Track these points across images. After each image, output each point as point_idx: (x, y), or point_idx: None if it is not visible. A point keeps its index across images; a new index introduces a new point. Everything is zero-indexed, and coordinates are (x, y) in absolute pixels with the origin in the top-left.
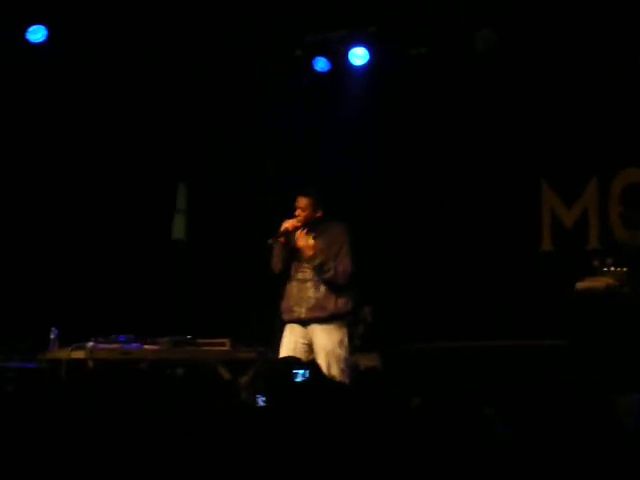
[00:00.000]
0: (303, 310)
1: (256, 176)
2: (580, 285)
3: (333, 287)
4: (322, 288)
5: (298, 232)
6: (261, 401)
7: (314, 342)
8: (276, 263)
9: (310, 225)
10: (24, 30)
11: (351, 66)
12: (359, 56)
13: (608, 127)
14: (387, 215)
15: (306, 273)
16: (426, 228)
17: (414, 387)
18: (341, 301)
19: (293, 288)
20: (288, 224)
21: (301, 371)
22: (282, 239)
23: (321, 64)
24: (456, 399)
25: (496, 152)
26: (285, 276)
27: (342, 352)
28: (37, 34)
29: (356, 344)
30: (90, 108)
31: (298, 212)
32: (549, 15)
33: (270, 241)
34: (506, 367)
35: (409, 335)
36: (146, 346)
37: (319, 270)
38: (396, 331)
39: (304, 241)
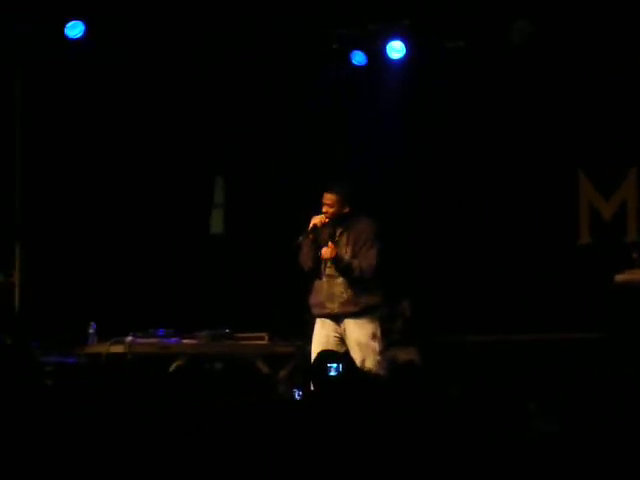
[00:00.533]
0: (335, 306)
1: (291, 170)
2: (619, 278)
3: (362, 283)
4: (353, 284)
5: (324, 249)
6: (297, 395)
7: (347, 336)
8: (305, 261)
9: (338, 221)
10: (63, 26)
11: (388, 60)
12: (396, 49)
13: None
14: (425, 209)
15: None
16: (463, 221)
17: (453, 380)
18: (373, 295)
19: (324, 284)
20: (316, 220)
21: (334, 365)
22: (311, 236)
23: (358, 58)
24: (498, 393)
25: (533, 144)
26: (314, 272)
27: (376, 345)
28: (75, 30)
29: (394, 338)
30: (128, 102)
31: (325, 209)
32: (584, 3)
33: (300, 239)
34: (545, 361)
35: (447, 329)
36: (184, 340)
37: (344, 271)
38: (434, 325)
39: (329, 253)
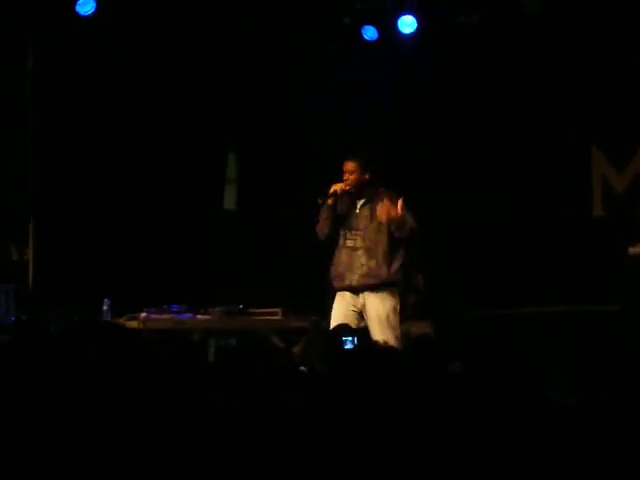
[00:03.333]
0: (355, 277)
1: (305, 145)
2: (632, 250)
3: (392, 250)
4: (375, 255)
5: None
6: (305, 371)
7: (367, 309)
8: (322, 227)
9: (358, 192)
10: (74, 3)
11: (400, 34)
12: (408, 24)
13: None
14: (439, 183)
15: (357, 241)
16: (477, 195)
17: (466, 353)
18: (393, 268)
19: (343, 255)
20: (337, 187)
21: (350, 338)
22: (331, 200)
23: (370, 33)
24: (507, 362)
25: (547, 118)
26: (331, 243)
27: (396, 319)
28: (86, 6)
29: (408, 312)
30: (140, 79)
31: (346, 176)
32: None
33: (319, 200)
34: (559, 333)
35: (461, 303)
36: (198, 316)
37: (398, 227)
38: (448, 299)
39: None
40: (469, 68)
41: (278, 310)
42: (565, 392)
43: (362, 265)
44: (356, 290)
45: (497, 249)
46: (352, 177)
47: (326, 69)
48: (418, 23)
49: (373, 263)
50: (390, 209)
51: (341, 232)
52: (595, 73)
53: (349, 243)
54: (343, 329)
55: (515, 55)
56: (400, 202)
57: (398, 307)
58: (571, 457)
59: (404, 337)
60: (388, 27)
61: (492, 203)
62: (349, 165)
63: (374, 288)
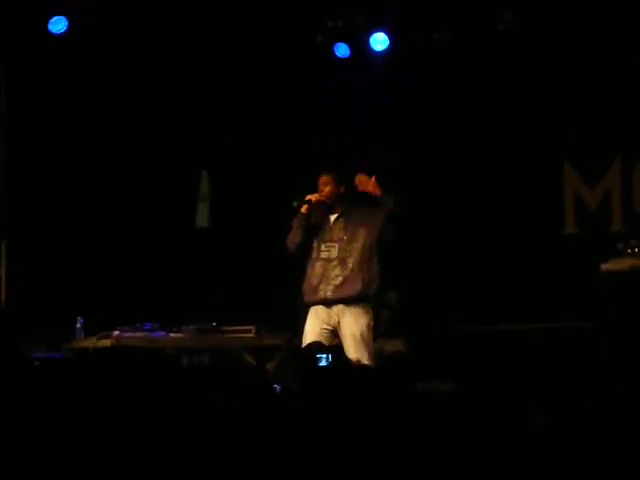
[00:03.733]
0: (330, 288)
1: (278, 163)
2: (604, 267)
3: (358, 268)
4: (349, 265)
5: (358, 177)
6: (278, 388)
7: (341, 327)
8: (294, 236)
9: (334, 202)
10: (46, 21)
11: (372, 52)
12: (380, 41)
13: (632, 108)
14: (409, 199)
15: (331, 252)
16: (448, 212)
17: (440, 371)
18: (369, 279)
19: (317, 268)
20: (312, 196)
21: (324, 355)
22: (304, 208)
23: (342, 50)
24: (486, 385)
25: (519, 134)
26: (302, 259)
27: (370, 336)
28: (58, 25)
29: (381, 330)
30: (114, 97)
31: (321, 188)
32: None
33: (295, 203)
34: (531, 350)
35: (433, 320)
36: (171, 334)
37: (388, 203)
38: (420, 317)
39: (366, 183)
40: (441, 85)
41: (251, 328)
42: (537, 408)
43: (337, 276)
44: (330, 303)
45: (470, 266)
46: (327, 189)
47: (299, 87)
48: (390, 40)
49: (348, 273)
50: (366, 181)
51: (315, 244)
52: (567, 90)
53: (323, 255)
54: (316, 346)
55: (487, 72)
56: (373, 179)
57: (372, 324)
58: (544, 471)
59: (377, 354)
60: (360, 44)
61: (464, 220)
62: (324, 178)
63: (348, 302)
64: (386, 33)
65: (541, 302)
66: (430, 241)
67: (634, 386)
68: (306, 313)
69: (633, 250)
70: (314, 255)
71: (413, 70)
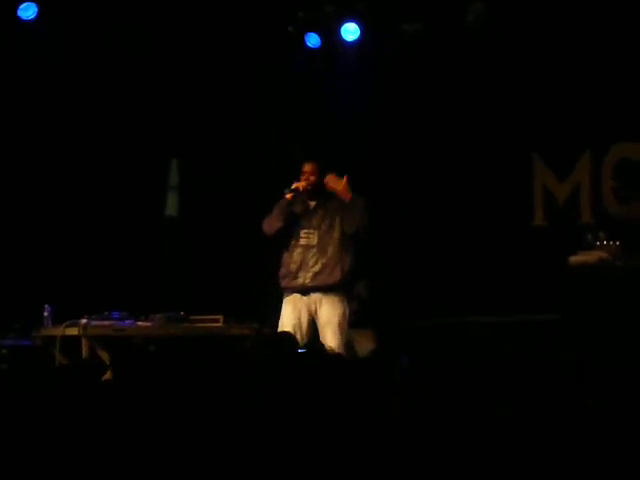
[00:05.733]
0: (309, 275)
1: (248, 152)
2: (573, 259)
3: (336, 255)
4: (329, 254)
5: (329, 176)
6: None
7: (319, 315)
8: (275, 221)
9: (314, 191)
10: (15, 7)
11: (343, 42)
12: (351, 32)
13: (601, 100)
14: (379, 192)
15: (310, 239)
16: (418, 203)
17: (411, 363)
18: (346, 268)
19: (296, 254)
20: (300, 184)
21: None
22: (290, 195)
23: (313, 40)
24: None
25: (487, 126)
26: (276, 247)
27: (345, 325)
28: (28, 11)
29: (350, 320)
30: (82, 85)
31: (306, 176)
32: None
33: (286, 190)
34: (500, 343)
35: (403, 311)
36: (139, 323)
37: (353, 205)
38: (390, 307)
39: (336, 183)
40: (411, 76)
41: (219, 317)
42: (503, 402)
43: (316, 262)
44: (308, 291)
45: (439, 258)
46: (313, 178)
47: (271, 76)
48: (361, 31)
49: (326, 261)
50: (336, 181)
51: (294, 231)
52: (536, 81)
53: (303, 241)
54: (289, 336)
55: (457, 63)
56: (345, 178)
57: (347, 313)
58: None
59: (346, 345)
60: (331, 34)
61: (434, 211)
62: (308, 166)
63: (326, 290)
64: (357, 23)
65: (510, 294)
66: (399, 233)
67: (602, 378)
68: (279, 301)
69: (602, 243)
70: (293, 242)
71: (384, 61)
